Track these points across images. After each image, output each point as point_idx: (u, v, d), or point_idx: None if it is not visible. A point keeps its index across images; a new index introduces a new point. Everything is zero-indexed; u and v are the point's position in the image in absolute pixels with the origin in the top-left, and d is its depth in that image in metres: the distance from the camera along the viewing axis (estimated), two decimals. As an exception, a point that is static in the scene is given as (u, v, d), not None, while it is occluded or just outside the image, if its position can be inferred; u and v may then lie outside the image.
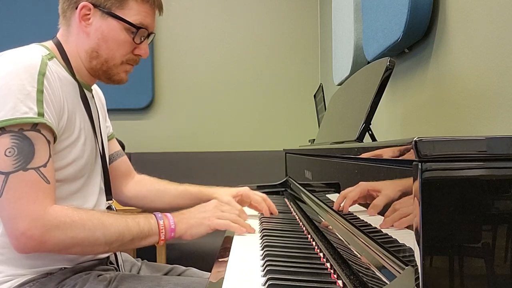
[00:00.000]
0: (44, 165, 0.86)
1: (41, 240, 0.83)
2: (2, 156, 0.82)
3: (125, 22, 1.00)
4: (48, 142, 0.87)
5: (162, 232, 0.95)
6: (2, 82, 0.84)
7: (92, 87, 1.11)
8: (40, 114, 0.85)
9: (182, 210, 1.03)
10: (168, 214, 0.98)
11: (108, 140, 1.22)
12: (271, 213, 1.21)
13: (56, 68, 0.95)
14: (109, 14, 0.99)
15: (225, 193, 1.20)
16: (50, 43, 1.01)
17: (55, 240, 0.84)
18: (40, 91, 0.86)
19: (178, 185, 1.28)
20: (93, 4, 0.99)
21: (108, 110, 1.24)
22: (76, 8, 0.99)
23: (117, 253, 1.10)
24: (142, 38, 1.04)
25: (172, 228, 0.96)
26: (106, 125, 1.22)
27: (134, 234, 0.92)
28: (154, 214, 0.97)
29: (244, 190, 1.24)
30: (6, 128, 0.83)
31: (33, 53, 0.91)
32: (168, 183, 1.29)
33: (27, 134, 0.84)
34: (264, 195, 1.24)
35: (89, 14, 0.99)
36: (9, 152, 0.83)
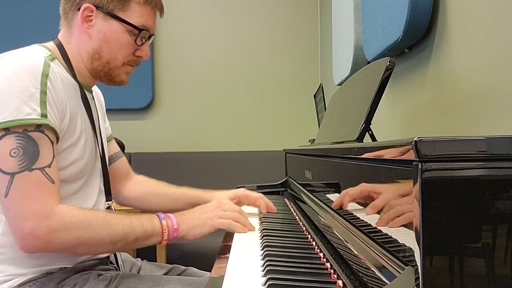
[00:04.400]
0: (49, 166, 0.86)
1: (47, 240, 0.83)
2: (7, 157, 0.82)
3: (127, 24, 1.00)
4: (52, 142, 0.88)
5: (165, 232, 0.96)
6: (5, 83, 0.84)
7: (92, 88, 1.11)
8: (44, 116, 0.86)
9: (183, 211, 1.04)
10: (170, 215, 0.99)
11: (107, 141, 1.22)
12: (269, 212, 1.23)
13: (57, 69, 0.95)
14: (112, 16, 0.99)
15: (222, 196, 1.21)
16: (51, 44, 1.02)
17: (61, 240, 0.84)
18: (43, 93, 0.87)
19: (176, 188, 1.28)
20: (95, 6, 0.99)
21: (108, 110, 1.24)
22: (79, 9, 0.99)
23: (117, 253, 1.10)
24: (144, 40, 1.04)
25: (175, 228, 0.97)
26: (105, 126, 1.22)
27: (138, 234, 0.93)
28: (157, 215, 0.98)
29: (241, 191, 1.25)
30: (10, 128, 0.83)
31: (36, 54, 0.91)
32: (166, 185, 1.29)
33: (31, 134, 0.84)
34: (261, 194, 1.25)
35: (91, 15, 0.99)
36: (14, 152, 0.83)
